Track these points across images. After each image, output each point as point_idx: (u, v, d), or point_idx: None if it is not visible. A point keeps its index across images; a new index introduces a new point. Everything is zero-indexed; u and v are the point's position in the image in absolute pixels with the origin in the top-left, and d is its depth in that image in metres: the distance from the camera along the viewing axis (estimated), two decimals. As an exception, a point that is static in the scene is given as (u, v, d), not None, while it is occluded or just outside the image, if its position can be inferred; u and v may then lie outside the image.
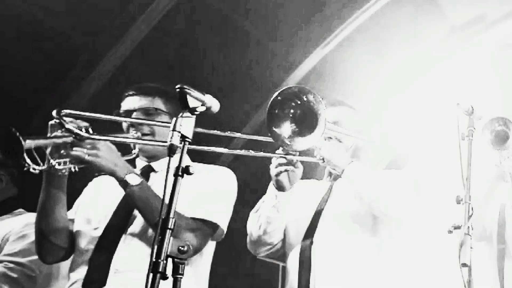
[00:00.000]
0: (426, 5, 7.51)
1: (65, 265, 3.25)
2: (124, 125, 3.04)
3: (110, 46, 6.22)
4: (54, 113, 2.57)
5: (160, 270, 1.99)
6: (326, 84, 7.42)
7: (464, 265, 2.39)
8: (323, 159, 3.21)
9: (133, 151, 2.98)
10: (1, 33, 5.43)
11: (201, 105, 2.38)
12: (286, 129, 2.96)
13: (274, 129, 2.95)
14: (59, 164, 2.70)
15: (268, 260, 3.54)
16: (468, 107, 2.83)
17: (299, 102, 2.95)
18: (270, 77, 7.37)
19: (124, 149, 2.93)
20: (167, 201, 2.15)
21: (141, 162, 3.10)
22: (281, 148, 3.07)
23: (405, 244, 3.33)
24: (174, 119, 2.31)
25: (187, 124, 2.31)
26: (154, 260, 2.00)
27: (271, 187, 3.22)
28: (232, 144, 5.55)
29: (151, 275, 1.98)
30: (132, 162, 3.00)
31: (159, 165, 3.06)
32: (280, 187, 3.15)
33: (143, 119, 2.97)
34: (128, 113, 3.01)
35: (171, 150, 2.24)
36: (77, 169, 2.76)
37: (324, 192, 3.43)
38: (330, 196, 3.40)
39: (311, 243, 3.21)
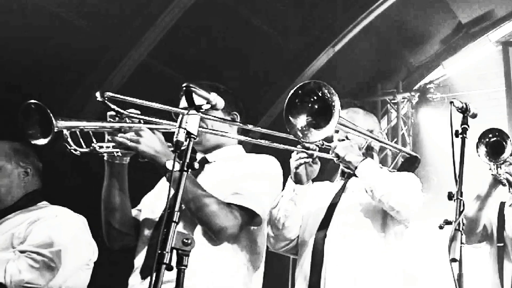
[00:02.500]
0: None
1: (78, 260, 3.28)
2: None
3: (131, 46, 6.24)
4: (97, 94, 2.55)
5: (165, 261, 1.96)
6: (337, 81, 7.41)
7: (453, 260, 2.35)
8: (337, 156, 3.23)
9: (185, 143, 2.93)
10: (33, 30, 5.45)
11: (207, 102, 2.37)
12: (301, 120, 2.96)
13: (290, 118, 2.96)
14: (101, 147, 2.68)
15: (279, 253, 3.50)
16: (462, 105, 2.77)
17: (315, 97, 2.95)
18: (283, 73, 7.36)
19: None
20: (177, 195, 2.14)
21: (199, 155, 3.08)
22: (301, 144, 3.07)
23: (408, 241, 3.37)
24: (180, 116, 2.29)
25: (192, 121, 2.28)
26: (159, 251, 1.98)
27: (290, 181, 3.22)
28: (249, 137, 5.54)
29: (155, 266, 1.95)
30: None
31: (212, 156, 3.03)
32: (298, 180, 3.17)
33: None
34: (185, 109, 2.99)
35: (177, 146, 2.21)
36: (120, 154, 2.74)
37: (338, 189, 3.45)
38: (344, 193, 3.42)
39: (325, 236, 3.23)
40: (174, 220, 2.05)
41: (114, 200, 2.84)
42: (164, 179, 3.02)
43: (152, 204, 2.96)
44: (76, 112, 5.89)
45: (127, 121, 2.65)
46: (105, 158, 2.76)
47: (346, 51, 7.54)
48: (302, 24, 7.15)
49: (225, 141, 3.05)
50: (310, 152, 3.09)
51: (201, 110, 2.32)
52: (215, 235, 2.71)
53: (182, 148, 2.24)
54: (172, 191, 2.10)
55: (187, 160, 2.20)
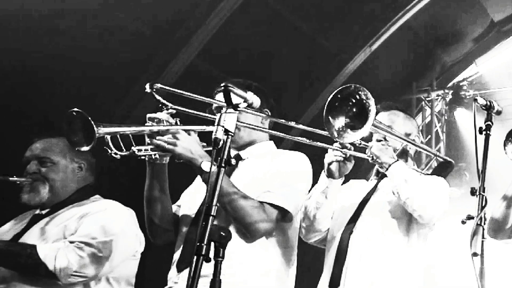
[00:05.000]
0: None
1: (126, 250, 3.29)
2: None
3: (180, 47, 6.25)
4: (147, 86, 2.57)
5: (203, 253, 1.94)
6: (373, 80, 7.33)
7: (475, 254, 2.28)
8: (372, 156, 3.22)
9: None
10: (88, 34, 5.50)
11: (243, 101, 2.35)
12: (340, 121, 2.95)
13: (330, 119, 2.95)
14: (140, 151, 2.69)
15: (314, 245, 3.47)
16: (486, 102, 2.72)
17: (353, 101, 2.95)
18: (323, 72, 7.31)
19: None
20: (215, 191, 2.13)
21: (232, 152, 3.05)
22: (338, 142, 3.06)
23: (430, 242, 3.34)
24: (219, 114, 2.28)
25: (230, 119, 2.28)
26: (197, 244, 1.95)
27: (323, 175, 3.22)
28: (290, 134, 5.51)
29: (194, 257, 1.93)
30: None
31: (245, 153, 3.03)
32: (330, 175, 3.16)
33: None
34: (219, 109, 2.95)
35: (215, 143, 2.20)
36: (157, 156, 2.75)
37: (370, 188, 3.45)
38: (375, 192, 3.41)
39: (351, 232, 3.24)
40: (211, 214, 2.02)
41: (156, 198, 2.86)
42: None
43: (190, 201, 2.97)
44: (123, 117, 5.93)
45: (165, 124, 2.66)
46: (146, 158, 2.77)
47: (382, 50, 7.45)
48: (340, 24, 7.08)
49: (257, 137, 3.04)
50: (344, 150, 3.08)
51: (238, 109, 2.29)
52: (249, 233, 2.71)
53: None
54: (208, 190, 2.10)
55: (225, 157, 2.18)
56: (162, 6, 5.78)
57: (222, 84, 2.33)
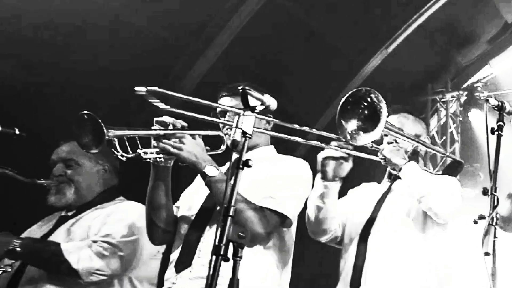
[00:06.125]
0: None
1: (148, 250, 3.31)
2: (221, 124, 2.99)
3: (201, 51, 6.25)
4: (139, 89, 2.49)
5: (221, 253, 1.93)
6: (389, 81, 7.28)
7: (486, 254, 2.26)
8: (384, 158, 3.21)
9: (222, 147, 2.90)
10: (112, 38, 5.53)
11: (261, 104, 2.35)
12: (352, 124, 2.94)
13: (342, 122, 2.94)
14: (145, 153, 2.69)
15: (333, 245, 3.45)
16: (498, 103, 2.69)
17: (365, 104, 2.93)
18: (339, 74, 7.27)
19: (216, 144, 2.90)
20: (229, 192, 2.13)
21: (234, 155, 3.04)
22: (335, 142, 3.02)
23: (446, 242, 3.32)
24: (237, 117, 2.27)
25: (247, 122, 2.27)
26: (216, 244, 1.95)
27: (317, 179, 3.16)
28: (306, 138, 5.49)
29: (213, 257, 1.92)
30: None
31: (247, 157, 2.96)
32: (324, 176, 3.10)
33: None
34: (223, 113, 2.96)
35: (233, 145, 2.19)
36: (162, 159, 2.75)
37: (384, 190, 3.43)
38: (389, 194, 3.39)
39: (369, 233, 3.23)
40: (230, 214, 2.02)
41: (159, 200, 2.84)
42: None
43: (190, 202, 2.95)
44: (147, 123, 5.93)
45: (170, 128, 2.66)
46: (151, 161, 2.76)
47: (398, 52, 7.41)
48: (357, 27, 7.05)
49: (260, 142, 3.01)
50: (344, 151, 3.02)
51: (255, 111, 2.29)
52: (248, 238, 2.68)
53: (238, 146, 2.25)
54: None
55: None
56: (183, 11, 5.79)
57: (239, 87, 2.31)
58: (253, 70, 6.47)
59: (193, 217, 2.85)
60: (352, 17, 6.87)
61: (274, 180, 2.80)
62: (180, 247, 2.80)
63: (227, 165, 2.98)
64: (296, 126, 2.91)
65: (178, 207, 2.99)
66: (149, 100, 2.51)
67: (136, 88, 2.46)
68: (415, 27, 7.14)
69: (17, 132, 3.24)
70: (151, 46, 5.88)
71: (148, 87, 2.46)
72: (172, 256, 2.85)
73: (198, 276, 2.64)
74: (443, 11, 7.09)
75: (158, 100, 2.55)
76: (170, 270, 2.80)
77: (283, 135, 2.90)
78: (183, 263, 2.73)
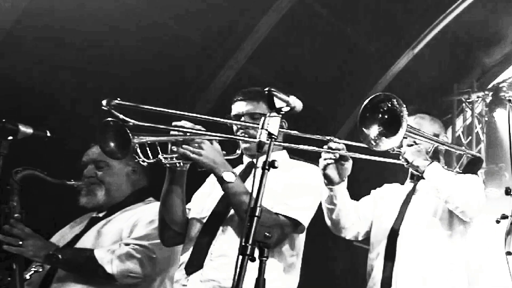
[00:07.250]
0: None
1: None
2: (234, 128, 3.00)
3: (229, 56, 6.26)
4: (104, 102, 2.47)
5: (248, 252, 1.91)
6: (415, 82, 7.21)
7: (509, 253, 2.20)
8: (406, 161, 3.19)
9: (237, 151, 2.91)
10: (145, 46, 5.57)
11: (286, 105, 2.31)
12: (374, 130, 2.90)
13: (363, 129, 2.90)
14: (166, 159, 2.69)
15: (359, 245, 3.42)
16: None
17: (385, 108, 2.90)
18: (366, 75, 7.22)
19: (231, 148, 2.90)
20: (255, 192, 2.10)
21: (246, 159, 3.06)
22: (326, 145, 2.94)
23: (472, 241, 3.31)
24: (263, 118, 2.25)
25: (273, 123, 2.26)
26: (243, 244, 1.93)
27: (323, 186, 3.10)
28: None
29: (240, 257, 1.90)
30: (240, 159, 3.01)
31: (260, 161, 2.96)
32: (329, 181, 3.01)
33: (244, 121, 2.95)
34: (237, 117, 2.98)
35: (259, 146, 2.19)
36: (181, 163, 2.75)
37: (408, 191, 3.42)
38: (414, 194, 3.38)
39: (397, 235, 3.21)
40: (256, 215, 1.99)
41: (174, 203, 2.85)
42: (212, 176, 2.92)
43: (201, 204, 2.95)
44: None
45: (188, 134, 2.65)
46: (168, 165, 2.76)
47: (424, 53, 7.34)
48: (383, 28, 7.00)
49: (274, 146, 2.96)
50: (342, 152, 2.93)
51: (281, 113, 2.27)
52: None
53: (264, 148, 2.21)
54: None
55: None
56: (212, 14, 5.81)
57: (265, 89, 2.28)
58: (282, 71, 6.46)
59: (204, 220, 2.85)
60: (378, 18, 6.83)
61: (288, 187, 2.81)
62: (190, 249, 2.80)
63: (240, 167, 3.02)
64: (318, 136, 2.89)
65: (189, 209, 2.98)
66: (115, 114, 2.48)
67: (103, 102, 2.45)
68: (440, 28, 7.08)
69: (48, 134, 3.25)
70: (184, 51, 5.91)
71: (112, 101, 2.45)
72: (182, 258, 2.85)
73: (209, 279, 2.65)
74: (468, 12, 7.01)
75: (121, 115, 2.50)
76: (180, 271, 2.80)
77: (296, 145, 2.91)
78: (194, 266, 2.74)
